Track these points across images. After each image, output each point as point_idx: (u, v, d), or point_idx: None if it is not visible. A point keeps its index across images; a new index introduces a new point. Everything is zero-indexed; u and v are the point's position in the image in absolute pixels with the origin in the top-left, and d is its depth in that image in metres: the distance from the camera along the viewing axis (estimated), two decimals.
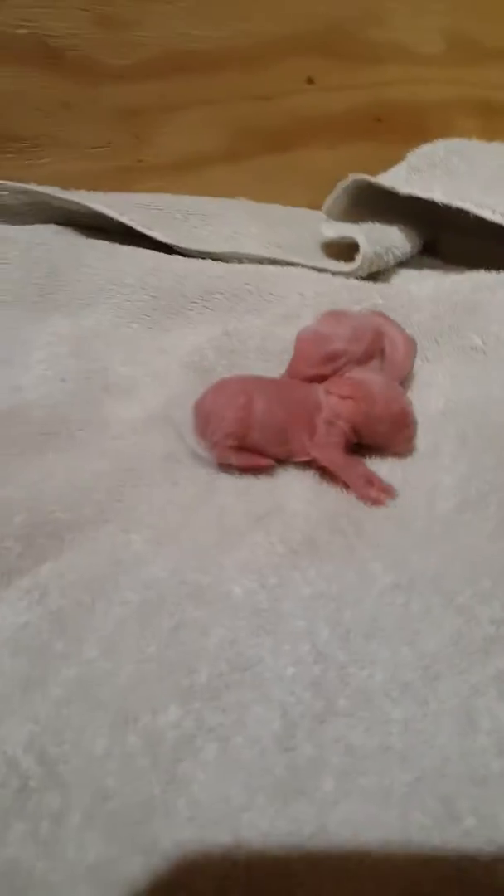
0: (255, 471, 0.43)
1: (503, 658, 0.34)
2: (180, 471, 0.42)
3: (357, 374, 0.45)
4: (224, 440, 0.42)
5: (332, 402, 0.44)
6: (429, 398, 0.51)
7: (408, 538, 0.40)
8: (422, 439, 0.47)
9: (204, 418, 0.43)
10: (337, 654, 0.34)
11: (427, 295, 0.55)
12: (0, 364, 0.49)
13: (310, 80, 0.65)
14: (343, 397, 0.43)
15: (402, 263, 0.65)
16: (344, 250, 0.60)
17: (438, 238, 0.69)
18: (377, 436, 0.45)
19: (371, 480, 0.43)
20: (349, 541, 0.40)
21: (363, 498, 0.42)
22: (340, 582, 0.36)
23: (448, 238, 0.69)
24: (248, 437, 0.42)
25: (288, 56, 0.63)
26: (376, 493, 0.43)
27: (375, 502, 0.42)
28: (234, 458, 0.42)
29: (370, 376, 0.45)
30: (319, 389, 0.44)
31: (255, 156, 0.67)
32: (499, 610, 0.36)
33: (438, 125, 0.68)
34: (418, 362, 0.54)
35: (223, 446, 0.42)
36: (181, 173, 0.65)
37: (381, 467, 0.45)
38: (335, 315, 0.48)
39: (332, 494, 0.43)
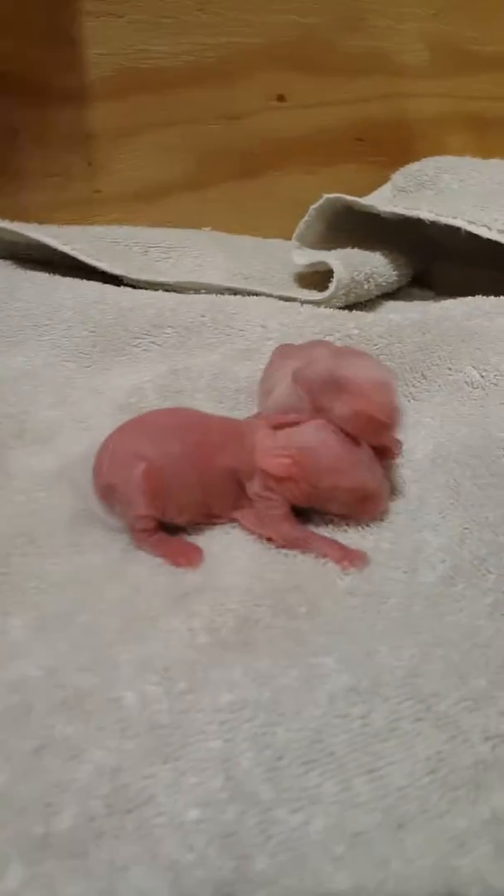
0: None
1: (501, 793, 0.25)
2: (89, 535, 0.34)
3: (303, 435, 0.34)
4: (135, 524, 0.33)
5: (267, 464, 0.34)
6: (414, 442, 0.42)
7: (377, 621, 0.31)
8: (404, 491, 0.38)
9: (106, 493, 0.34)
10: (260, 791, 0.24)
11: (412, 323, 0.47)
12: None
13: (281, 97, 0.59)
14: (280, 478, 0.34)
15: (389, 295, 0.57)
16: (319, 282, 0.53)
17: (431, 268, 0.61)
18: (332, 508, 0.35)
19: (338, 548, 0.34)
20: (296, 624, 0.30)
21: (338, 562, 0.34)
22: (276, 684, 0.27)
23: (442, 267, 0.61)
24: (165, 511, 0.34)
25: (255, 71, 0.57)
26: (348, 561, 0.34)
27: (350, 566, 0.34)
28: (151, 548, 0.34)
29: (318, 439, 0.34)
30: (257, 435, 0.35)
31: (222, 182, 0.61)
32: (496, 721, 0.27)
33: (427, 143, 0.61)
34: (402, 400, 0.46)
35: (136, 531, 0.34)
36: (142, 203, 0.59)
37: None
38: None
39: (283, 562, 0.34)
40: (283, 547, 0.34)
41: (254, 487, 0.34)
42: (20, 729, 0.25)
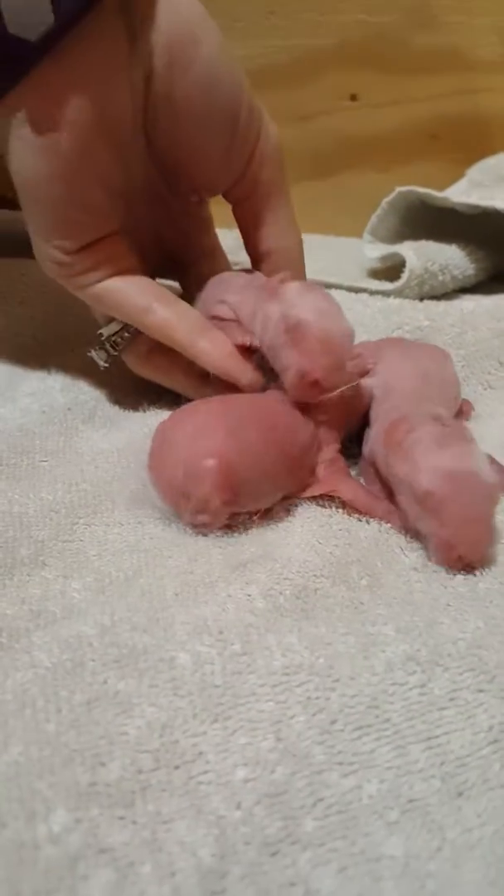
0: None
1: None
2: (150, 509, 0.34)
3: None
4: (212, 522, 0.32)
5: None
6: (488, 429, 0.40)
7: (441, 594, 0.30)
8: None
9: (174, 494, 0.32)
10: (313, 753, 0.23)
11: (486, 310, 0.46)
12: None
13: (353, 97, 0.59)
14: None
15: (469, 290, 0.55)
16: (393, 276, 0.52)
17: None
18: None
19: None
20: (356, 595, 0.30)
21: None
22: (331, 651, 0.26)
23: None
24: (242, 505, 0.32)
25: (327, 71, 0.57)
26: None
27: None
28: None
29: None
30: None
31: (295, 182, 0.59)
32: None
33: None
34: (478, 389, 0.44)
35: (212, 526, 0.33)
36: (215, 206, 0.60)
37: None
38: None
39: (345, 538, 0.33)
40: (354, 507, 0.34)
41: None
42: (72, 682, 0.25)
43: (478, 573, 0.31)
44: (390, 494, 0.34)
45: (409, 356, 0.39)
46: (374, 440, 0.35)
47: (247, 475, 0.32)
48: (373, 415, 0.36)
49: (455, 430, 0.32)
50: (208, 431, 0.32)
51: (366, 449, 0.36)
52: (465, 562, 0.30)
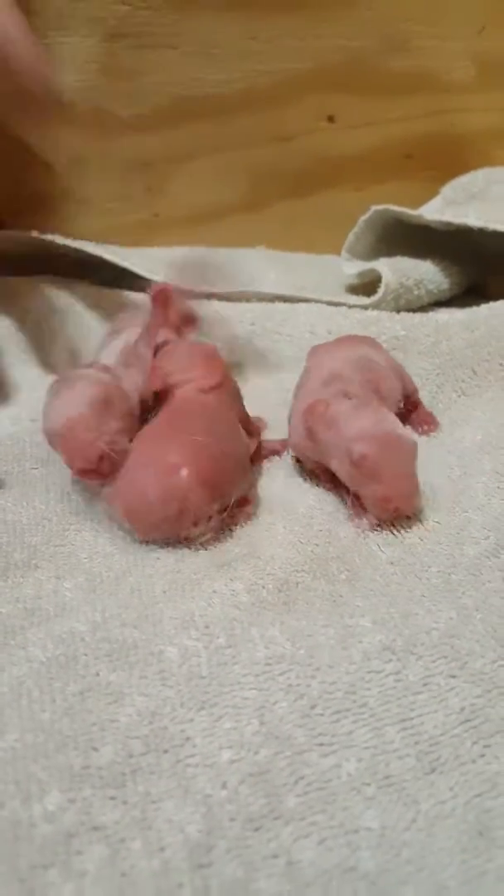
0: None
1: None
2: None
3: None
4: (207, 531, 0.33)
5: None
6: (463, 434, 0.42)
7: (416, 586, 0.31)
8: (451, 476, 0.38)
9: (166, 514, 0.32)
10: (294, 735, 0.25)
11: (459, 321, 0.48)
12: None
13: (330, 118, 0.61)
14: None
15: (444, 304, 0.57)
16: (370, 291, 0.54)
17: (489, 281, 0.62)
18: None
19: None
20: (335, 588, 0.31)
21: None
22: (311, 642, 0.28)
23: (498, 279, 0.61)
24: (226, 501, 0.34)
25: (305, 94, 0.59)
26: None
27: None
28: None
29: None
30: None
31: (275, 202, 0.62)
32: None
33: (477, 158, 0.62)
34: (452, 396, 0.46)
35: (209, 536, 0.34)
36: (199, 225, 0.61)
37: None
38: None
39: (326, 537, 0.34)
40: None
41: None
42: (66, 674, 0.27)
43: (452, 566, 0.32)
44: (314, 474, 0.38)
45: (335, 348, 0.42)
46: (293, 428, 0.38)
47: (222, 464, 0.34)
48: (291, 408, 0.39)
49: (364, 401, 0.36)
50: (167, 444, 0.34)
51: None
52: (400, 513, 0.34)
